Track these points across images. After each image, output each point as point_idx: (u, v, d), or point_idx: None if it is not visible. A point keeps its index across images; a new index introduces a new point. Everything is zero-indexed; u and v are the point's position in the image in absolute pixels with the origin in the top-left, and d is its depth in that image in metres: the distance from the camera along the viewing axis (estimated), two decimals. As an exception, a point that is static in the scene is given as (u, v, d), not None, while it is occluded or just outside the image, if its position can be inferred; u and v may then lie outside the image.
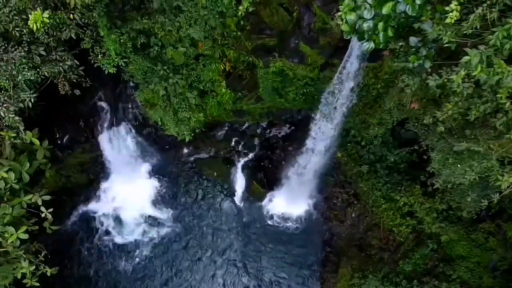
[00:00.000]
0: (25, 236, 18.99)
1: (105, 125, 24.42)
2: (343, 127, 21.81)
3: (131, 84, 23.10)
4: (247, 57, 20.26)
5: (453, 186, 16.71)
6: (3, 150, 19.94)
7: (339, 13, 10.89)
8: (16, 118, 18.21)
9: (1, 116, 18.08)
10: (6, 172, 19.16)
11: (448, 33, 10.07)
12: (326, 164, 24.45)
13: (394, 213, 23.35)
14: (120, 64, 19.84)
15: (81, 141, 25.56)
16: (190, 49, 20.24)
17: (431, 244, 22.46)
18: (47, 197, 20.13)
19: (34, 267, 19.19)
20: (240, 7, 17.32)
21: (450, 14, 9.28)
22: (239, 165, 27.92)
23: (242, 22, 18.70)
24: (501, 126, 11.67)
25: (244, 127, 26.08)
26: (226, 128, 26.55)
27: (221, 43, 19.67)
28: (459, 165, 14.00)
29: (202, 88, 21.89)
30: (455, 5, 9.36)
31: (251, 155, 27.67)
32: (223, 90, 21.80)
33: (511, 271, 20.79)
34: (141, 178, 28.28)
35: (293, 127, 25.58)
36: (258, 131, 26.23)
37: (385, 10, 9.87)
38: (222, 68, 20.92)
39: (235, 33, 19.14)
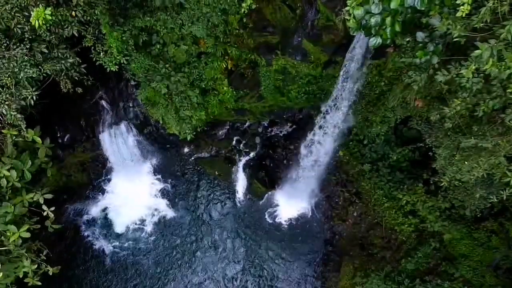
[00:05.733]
0: (27, 235, 18.86)
1: (106, 123, 24.34)
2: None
3: (132, 82, 23.07)
4: (249, 55, 20.27)
5: (456, 184, 16.66)
6: (4, 148, 19.81)
7: (347, 8, 10.82)
8: (18, 116, 18.05)
9: (3, 113, 17.94)
10: (8, 170, 19.04)
11: (458, 27, 9.99)
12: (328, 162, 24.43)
13: (396, 212, 23.33)
14: (122, 62, 19.75)
15: (82, 139, 25.51)
16: (192, 47, 20.25)
17: (433, 242, 22.41)
18: (49, 196, 19.98)
19: (36, 266, 19.05)
20: (243, 4, 17.26)
21: (461, 7, 9.18)
22: (241, 164, 27.92)
23: (244, 20, 18.69)
24: (510, 122, 11.63)
25: (245, 126, 26.08)
26: (228, 127, 26.55)
27: (223, 41, 19.64)
28: (466, 162, 13.94)
29: (204, 86, 21.86)
30: (467, -3, 9.29)
31: (252, 154, 27.66)
32: (225, 88, 21.79)
33: (514, 270, 20.82)
34: (142, 177, 28.23)
35: (294, 126, 25.51)
36: (260, 130, 26.23)
37: (393, 4, 9.83)
38: (224, 66, 20.90)
39: (237, 30, 19.13)
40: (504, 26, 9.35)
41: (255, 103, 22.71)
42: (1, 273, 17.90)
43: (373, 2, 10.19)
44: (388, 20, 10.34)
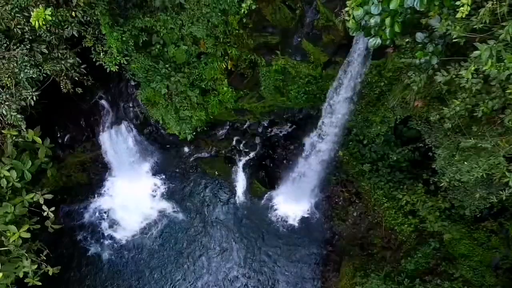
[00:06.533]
0: (27, 235, 18.94)
1: (106, 124, 24.36)
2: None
3: (132, 82, 23.11)
4: (249, 55, 20.23)
5: (456, 184, 16.68)
6: (4, 148, 19.87)
7: (346, 9, 10.84)
8: (18, 116, 18.14)
9: (3, 114, 18.01)
10: (8, 170, 19.10)
11: (457, 28, 10.02)
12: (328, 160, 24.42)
13: (396, 212, 23.32)
14: (122, 62, 19.78)
15: (82, 140, 25.53)
16: (192, 47, 20.27)
17: (433, 242, 22.40)
18: (49, 196, 20.05)
19: (36, 266, 19.10)
20: (243, 5, 17.31)
21: (461, 8, 9.20)
22: (240, 164, 27.85)
23: (244, 20, 18.64)
24: (509, 122, 11.65)
25: (245, 126, 26.04)
26: (227, 127, 26.49)
27: (223, 41, 19.62)
28: (465, 162, 13.96)
29: (203, 86, 21.87)
30: (466, -2, 9.30)
31: (252, 154, 27.59)
32: (225, 88, 21.77)
33: (514, 270, 20.81)
34: (142, 177, 28.17)
35: (294, 126, 25.49)
36: (259, 130, 26.17)
37: (392, 5, 9.83)
38: (224, 66, 20.86)
39: (237, 31, 19.08)
40: (503, 27, 9.37)
41: (255, 103, 22.66)
42: (1, 273, 17.94)
43: (373, 3, 10.20)
44: (388, 20, 10.35)
